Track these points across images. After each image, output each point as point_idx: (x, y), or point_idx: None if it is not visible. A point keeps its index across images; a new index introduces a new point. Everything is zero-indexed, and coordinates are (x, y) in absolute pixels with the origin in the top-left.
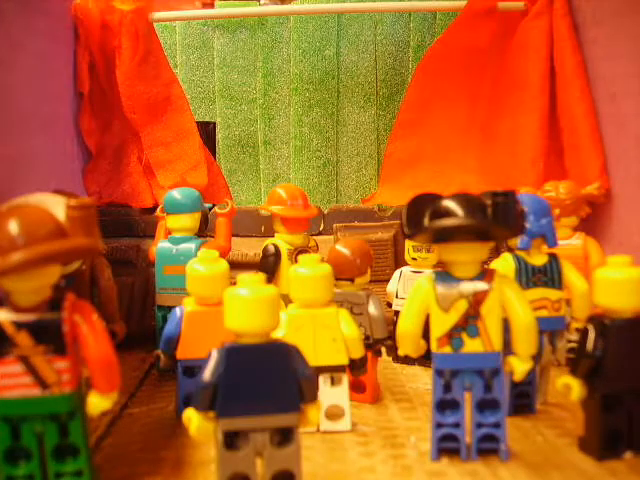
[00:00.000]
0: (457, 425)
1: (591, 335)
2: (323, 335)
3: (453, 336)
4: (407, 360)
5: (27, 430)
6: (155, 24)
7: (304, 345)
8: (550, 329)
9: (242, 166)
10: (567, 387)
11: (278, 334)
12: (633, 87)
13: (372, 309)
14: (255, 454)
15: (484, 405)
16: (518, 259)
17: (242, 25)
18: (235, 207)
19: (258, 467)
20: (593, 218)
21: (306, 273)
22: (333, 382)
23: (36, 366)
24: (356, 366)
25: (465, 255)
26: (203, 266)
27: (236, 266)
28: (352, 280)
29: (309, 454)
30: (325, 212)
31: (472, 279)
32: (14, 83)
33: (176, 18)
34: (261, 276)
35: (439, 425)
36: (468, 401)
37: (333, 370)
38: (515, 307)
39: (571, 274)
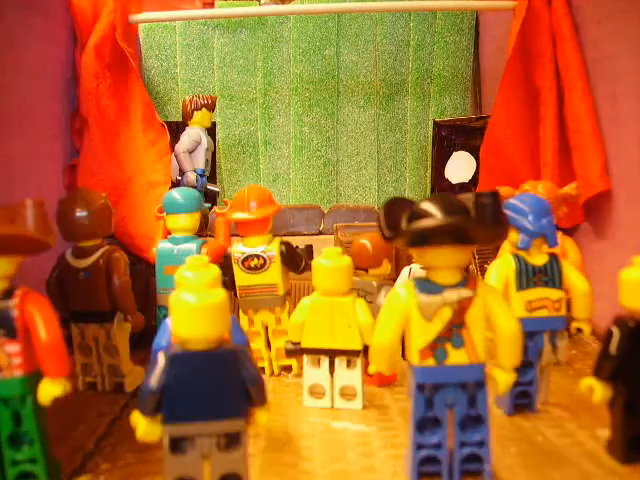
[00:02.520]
0: (439, 446)
1: (615, 337)
2: (340, 321)
3: (437, 347)
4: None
5: None
6: (155, 24)
7: (322, 329)
8: (550, 329)
9: (242, 166)
10: (590, 389)
11: (298, 317)
12: (633, 87)
13: (381, 299)
14: (202, 458)
15: (468, 422)
16: (518, 259)
17: (242, 25)
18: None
19: (206, 470)
20: (593, 218)
21: (327, 264)
22: (349, 365)
23: None
24: (368, 351)
25: (445, 260)
26: (192, 273)
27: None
28: (366, 270)
29: (309, 454)
30: (325, 212)
31: (455, 286)
32: (10, 83)
33: (168, 19)
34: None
35: (419, 447)
36: (451, 420)
37: (349, 354)
38: (499, 316)
39: (571, 274)
